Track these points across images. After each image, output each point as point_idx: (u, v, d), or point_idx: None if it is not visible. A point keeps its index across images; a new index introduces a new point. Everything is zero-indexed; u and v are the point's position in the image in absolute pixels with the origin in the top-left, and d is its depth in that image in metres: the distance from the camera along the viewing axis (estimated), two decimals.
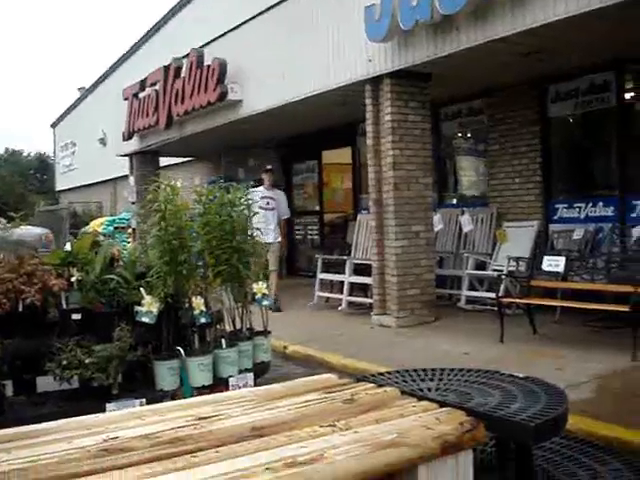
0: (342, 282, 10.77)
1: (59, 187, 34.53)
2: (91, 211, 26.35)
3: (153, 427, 2.73)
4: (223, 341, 5.60)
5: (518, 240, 9.77)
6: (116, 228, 18.98)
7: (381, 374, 3.66)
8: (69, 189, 32.04)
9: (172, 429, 2.67)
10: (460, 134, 12.04)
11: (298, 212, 16.04)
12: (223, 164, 17.52)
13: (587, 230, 9.20)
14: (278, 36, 11.34)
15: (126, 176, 18.56)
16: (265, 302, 6.18)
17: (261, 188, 11.08)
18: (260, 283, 6.05)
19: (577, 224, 9.46)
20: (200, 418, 2.80)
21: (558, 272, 7.78)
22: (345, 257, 10.88)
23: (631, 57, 8.76)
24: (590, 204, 9.47)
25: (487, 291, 9.87)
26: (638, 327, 6.62)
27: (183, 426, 2.71)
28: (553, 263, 7.74)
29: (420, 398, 3.03)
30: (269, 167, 11.84)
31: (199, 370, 5.32)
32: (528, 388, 3.23)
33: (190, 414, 2.88)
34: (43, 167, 49.68)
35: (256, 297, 6.05)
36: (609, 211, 9.25)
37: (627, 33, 7.59)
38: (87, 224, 20.40)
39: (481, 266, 10.36)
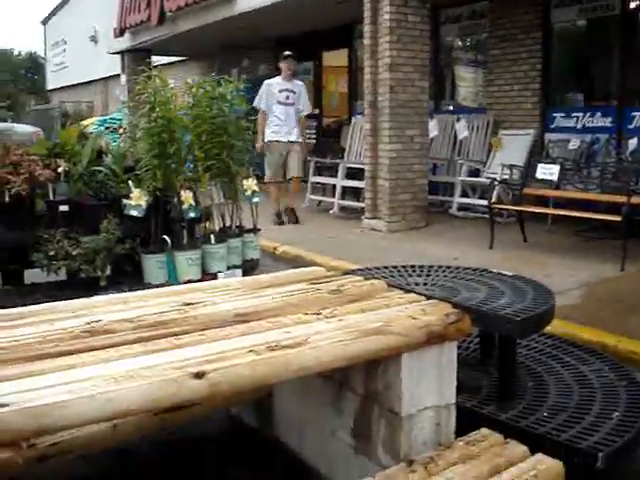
0: (335, 186, 10.69)
1: (50, 86, 33.93)
2: (82, 111, 25.95)
3: (137, 311, 2.72)
4: (212, 237, 5.57)
5: (513, 148, 9.64)
6: (107, 128, 18.69)
7: (369, 269, 3.64)
8: (60, 88, 31.48)
9: (156, 313, 2.66)
10: (460, 38, 11.74)
11: None
12: (217, 64, 17.15)
13: (583, 140, 9.09)
14: None
15: (118, 75, 18.20)
16: (255, 199, 6.12)
17: (278, 79, 9.69)
18: (250, 180, 5.97)
19: (574, 134, 9.34)
20: (185, 304, 2.78)
21: (552, 180, 7.71)
22: (338, 160, 10.76)
23: None
24: (588, 114, 9.33)
25: (480, 199, 9.82)
26: (628, 237, 6.61)
27: (167, 311, 2.69)
28: (547, 171, 7.66)
29: (407, 291, 3.01)
30: (288, 53, 9.78)
31: (187, 265, 5.31)
32: (515, 285, 3.21)
33: (175, 300, 2.86)
34: (35, 67, 48.69)
35: (246, 194, 5.98)
36: (607, 122, 9.12)
37: None
38: (78, 123, 20.09)
39: (475, 174, 10.26)
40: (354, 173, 10.38)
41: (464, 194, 10.04)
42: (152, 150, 5.28)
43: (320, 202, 11.17)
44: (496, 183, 8.41)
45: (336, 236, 8.94)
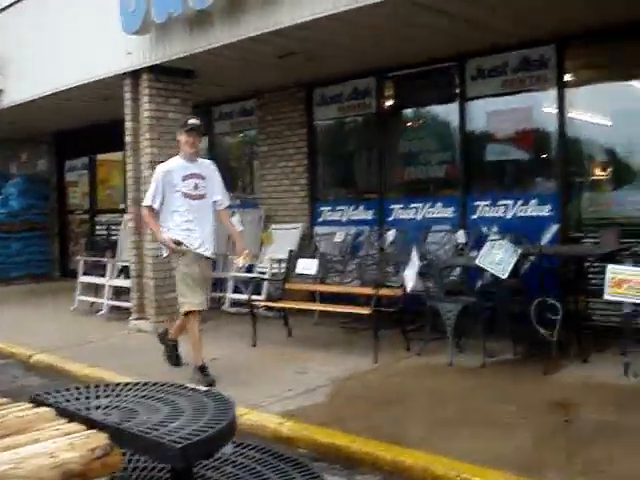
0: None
1: None
2: None
3: None
4: None
5: (284, 242, 9.72)
6: None
7: (57, 391, 3.30)
8: None
9: None
10: (233, 135, 11.88)
11: (71, 210, 15.32)
12: None
13: (348, 233, 9.33)
14: (42, 22, 10.56)
15: None
16: None
17: (179, 160, 6.37)
18: None
19: (340, 227, 9.58)
20: None
21: (311, 275, 7.77)
22: (105, 259, 10.34)
23: (389, 66, 8.97)
24: (352, 207, 9.63)
25: (253, 294, 9.74)
26: (378, 329, 6.72)
27: None
28: (306, 266, 7.73)
29: (74, 418, 2.71)
30: (193, 122, 6.42)
31: None
32: (201, 402, 3.01)
33: None
34: None
35: None
36: (369, 214, 9.45)
37: (378, 40, 7.70)
38: None
39: (250, 269, 10.23)
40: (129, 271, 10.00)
41: (238, 290, 9.94)
42: None
43: (93, 303, 10.62)
44: (259, 278, 8.38)
45: (99, 340, 8.46)
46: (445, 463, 4.15)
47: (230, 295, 9.81)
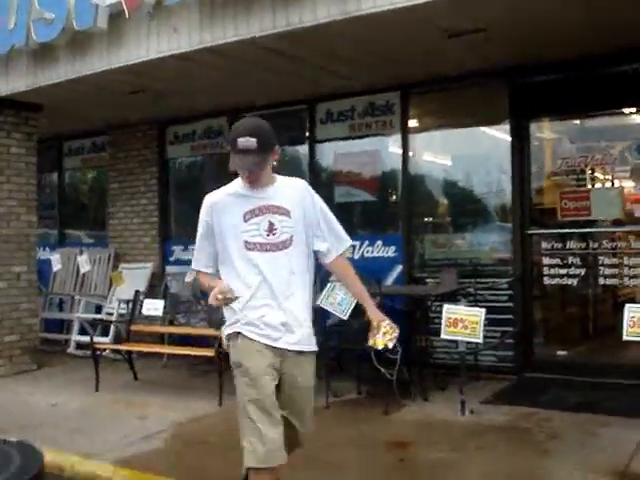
0: None
1: None
2: None
3: None
4: None
5: (134, 282, 9.47)
6: None
7: None
8: None
9: None
10: (84, 170, 11.56)
11: None
12: None
13: None
14: None
15: None
16: None
17: (236, 186, 3.56)
18: None
19: (189, 266, 9.42)
20: None
21: (157, 316, 7.61)
22: None
23: (242, 107, 8.98)
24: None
25: (102, 335, 9.43)
26: (223, 372, 6.62)
27: None
28: (152, 307, 7.55)
29: None
30: (243, 141, 3.32)
31: None
32: (8, 455, 2.85)
33: None
34: None
35: None
36: None
37: (230, 82, 7.72)
38: None
39: (99, 309, 9.92)
40: None
41: (85, 331, 9.58)
42: None
43: None
44: (106, 320, 8.12)
45: None
46: None
47: (76, 337, 9.45)
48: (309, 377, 3.52)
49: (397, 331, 3.57)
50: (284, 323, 3.37)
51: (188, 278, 9.11)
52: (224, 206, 3.45)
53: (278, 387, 3.41)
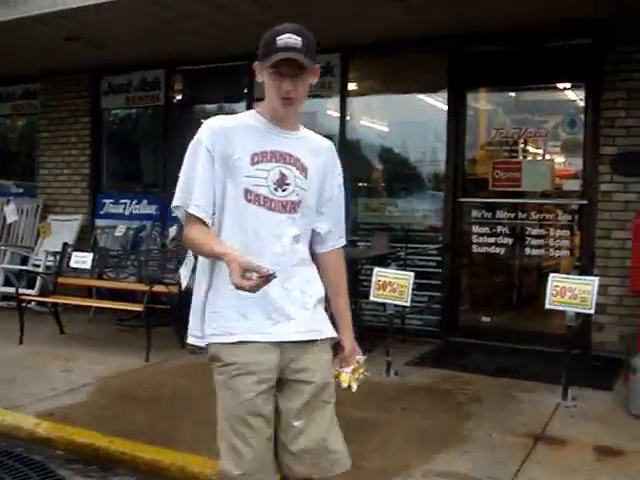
0: None
1: None
2: None
3: None
4: None
5: (62, 234, 9.28)
6: None
7: None
8: None
9: None
10: (15, 117, 11.21)
11: None
12: None
13: (130, 227, 9.10)
14: None
15: None
16: None
17: (251, 118, 2.64)
18: None
19: (122, 220, 9.32)
20: None
21: (85, 269, 7.49)
22: None
23: (180, 59, 8.82)
24: (135, 201, 9.39)
25: (28, 288, 9.23)
26: (154, 327, 6.60)
27: None
28: (80, 260, 7.44)
29: None
30: (287, 37, 2.45)
31: None
32: None
33: None
34: None
35: None
36: (152, 209, 9.26)
37: (163, 32, 7.55)
38: None
39: (26, 260, 9.70)
40: None
41: (10, 282, 9.36)
42: None
43: None
44: (33, 271, 7.96)
45: None
46: (201, 462, 4.14)
47: (0, 288, 9.23)
48: (324, 374, 2.63)
49: (366, 369, 2.87)
50: (283, 305, 2.53)
51: (119, 232, 9.01)
52: (235, 134, 2.53)
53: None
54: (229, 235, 2.51)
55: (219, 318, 2.54)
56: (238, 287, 2.21)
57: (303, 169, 2.62)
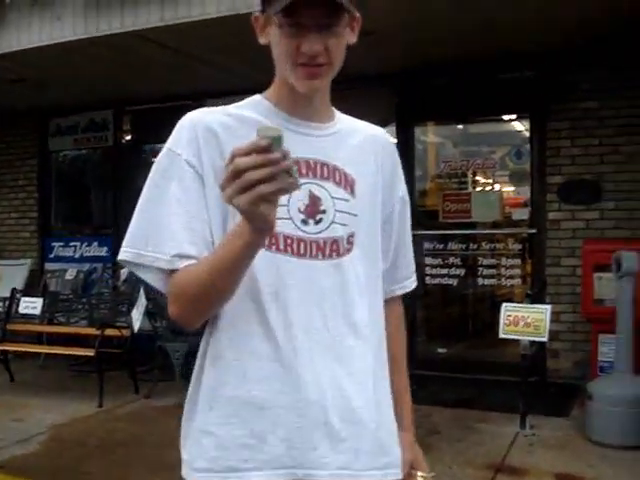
0: None
1: None
2: None
3: None
4: None
5: (11, 279, 9.08)
6: None
7: None
8: None
9: None
10: None
11: None
12: None
13: (80, 270, 8.96)
14: None
15: None
16: None
17: (256, 108, 1.58)
18: None
19: (72, 263, 9.17)
20: None
21: (35, 315, 7.33)
22: None
23: (128, 99, 8.77)
24: (86, 243, 9.26)
25: None
26: (107, 372, 6.46)
27: None
28: (30, 305, 7.28)
29: None
30: None
31: None
32: None
33: None
34: None
35: None
36: (103, 251, 9.13)
37: (110, 72, 7.51)
38: None
39: None
40: None
41: None
42: None
43: None
44: None
45: None
46: None
47: None
48: None
49: None
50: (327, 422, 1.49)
51: (69, 275, 8.86)
52: (229, 136, 1.50)
53: None
54: (232, 306, 1.46)
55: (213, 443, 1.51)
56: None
57: (347, 183, 1.60)
